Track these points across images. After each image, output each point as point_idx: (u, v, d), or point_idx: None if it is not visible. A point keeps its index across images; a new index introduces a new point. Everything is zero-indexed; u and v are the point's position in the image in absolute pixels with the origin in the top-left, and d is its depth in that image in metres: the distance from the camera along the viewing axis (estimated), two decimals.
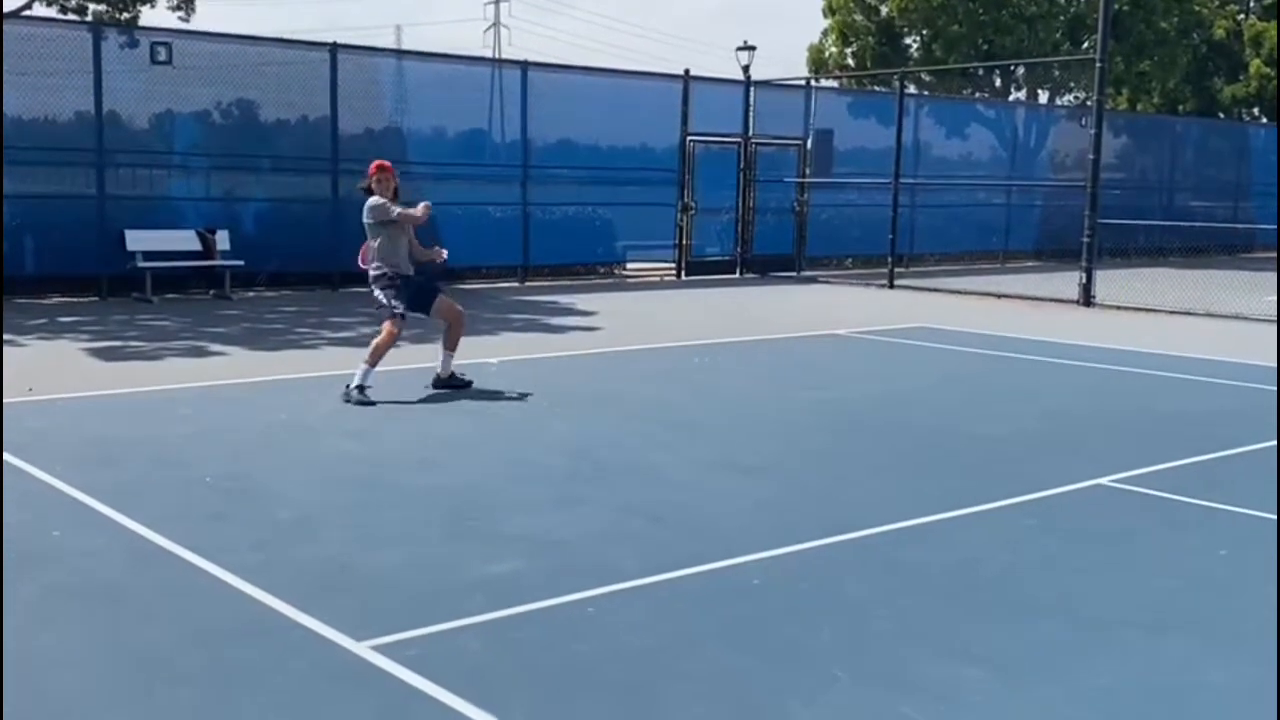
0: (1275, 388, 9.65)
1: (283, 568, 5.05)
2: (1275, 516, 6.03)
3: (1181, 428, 8.51)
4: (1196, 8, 32.57)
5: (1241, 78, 36.08)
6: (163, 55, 15.18)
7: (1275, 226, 22.03)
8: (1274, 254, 24.24)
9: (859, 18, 31.92)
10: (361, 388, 8.66)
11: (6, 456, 6.71)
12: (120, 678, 4.00)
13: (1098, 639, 4.44)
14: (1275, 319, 14.14)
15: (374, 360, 8.78)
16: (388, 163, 9.30)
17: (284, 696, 3.86)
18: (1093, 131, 16.97)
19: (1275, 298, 15.66)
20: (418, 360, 10.77)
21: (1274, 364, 11.09)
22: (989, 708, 3.86)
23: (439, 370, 9.28)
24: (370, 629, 4.33)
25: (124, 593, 4.76)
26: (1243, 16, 36.26)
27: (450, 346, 9.25)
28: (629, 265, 20.24)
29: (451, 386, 9.22)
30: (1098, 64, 17.02)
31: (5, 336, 11.54)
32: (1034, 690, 4.00)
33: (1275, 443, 7.71)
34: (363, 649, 4.17)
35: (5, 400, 8.32)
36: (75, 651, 4.18)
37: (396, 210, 8.95)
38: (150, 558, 5.18)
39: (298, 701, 3.82)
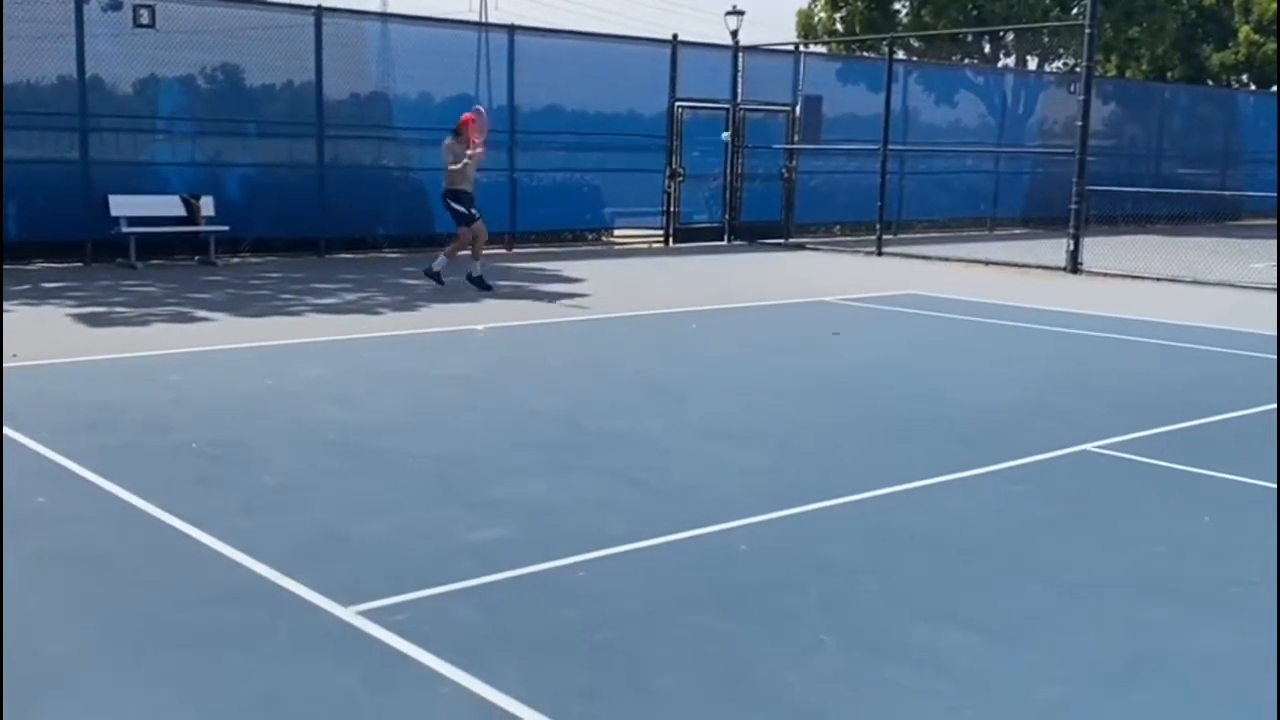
0: (1269, 355, 9.68)
1: (269, 533, 5.04)
2: (1271, 485, 6.06)
3: (1167, 394, 8.53)
4: None
5: (1231, 45, 36.04)
6: (146, 18, 15.01)
7: (1263, 194, 22.06)
8: (1262, 221, 24.29)
9: None
10: (469, 276, 12.98)
11: None
12: (107, 641, 3.99)
13: (1083, 604, 4.46)
14: (1265, 285, 14.18)
15: (475, 254, 13.16)
16: (466, 115, 13.24)
17: (271, 661, 3.86)
18: (1081, 98, 16.93)
19: (1262, 265, 15.70)
20: (406, 327, 10.76)
21: (1260, 331, 11.13)
22: (975, 671, 3.88)
23: (470, 271, 13.14)
24: (357, 594, 4.32)
25: (110, 558, 4.75)
26: None
27: (475, 255, 13.19)
28: (617, 232, 20.17)
29: (476, 283, 13.01)
30: (1087, 30, 16.96)
31: None
32: (1020, 654, 4.02)
33: (1272, 407, 7.74)
34: (350, 614, 4.17)
35: None
36: (62, 616, 4.17)
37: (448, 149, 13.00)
38: (136, 523, 5.16)
39: (284, 666, 3.82)
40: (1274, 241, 17.12)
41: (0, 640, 3.90)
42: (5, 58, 14.26)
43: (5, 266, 14.26)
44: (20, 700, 3.56)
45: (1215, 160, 30.07)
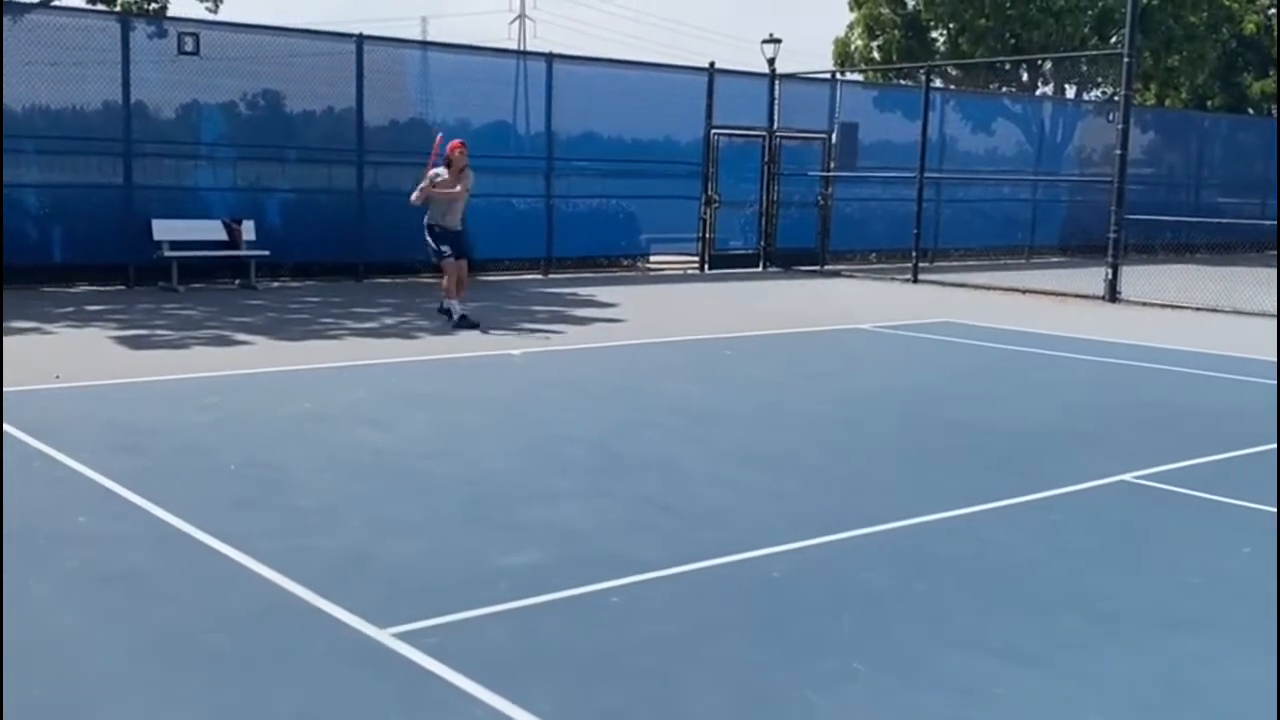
0: (1277, 384, 9.58)
1: (305, 555, 5.08)
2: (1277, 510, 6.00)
3: (1206, 424, 8.46)
4: (1226, 3, 32.31)
5: (1271, 73, 35.77)
6: (190, 46, 15.26)
7: None
8: None
9: (885, 11, 31.82)
10: (449, 313, 12.26)
11: (34, 443, 6.78)
12: (143, 659, 4.04)
13: (1118, 634, 4.43)
14: None
15: (452, 294, 12.31)
16: (456, 143, 12.52)
17: (305, 681, 3.89)
18: (1120, 127, 16.87)
19: None
20: (444, 351, 10.82)
21: None
22: (1008, 701, 3.86)
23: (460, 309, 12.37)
24: (392, 616, 4.35)
25: (147, 577, 4.81)
26: (1273, 12, 35.94)
27: (458, 294, 12.42)
28: (652, 258, 20.23)
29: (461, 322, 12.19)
30: (1125, 59, 16.91)
31: (33, 325, 11.66)
32: (1053, 684, 3.99)
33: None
34: (384, 636, 4.20)
35: (33, 387, 8.43)
36: (99, 633, 4.22)
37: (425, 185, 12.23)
38: (174, 543, 5.22)
39: (319, 686, 3.85)
40: None
41: (0, 642, 3.96)
42: (54, 84, 14.56)
43: (49, 289, 14.51)
44: (56, 718, 3.61)
45: (1256, 189, 29.80)
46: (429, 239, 12.33)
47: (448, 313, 12.29)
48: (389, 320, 12.66)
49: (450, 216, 12.28)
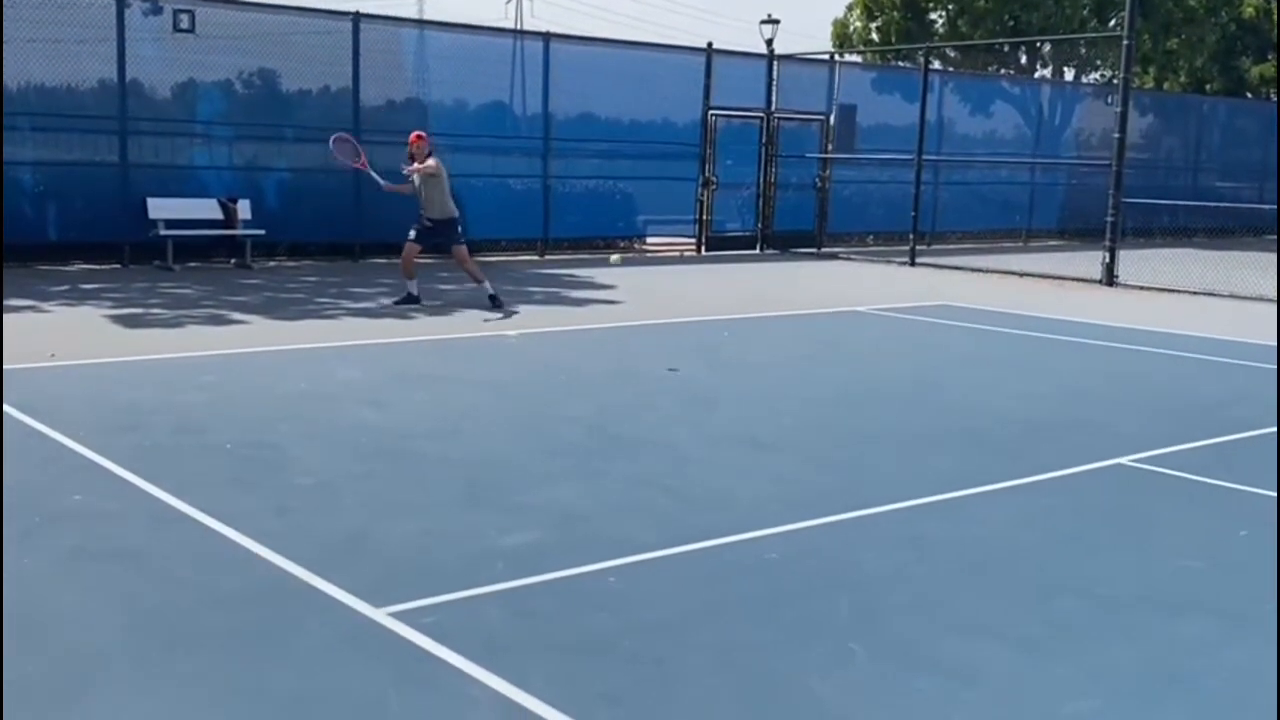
0: (1276, 368, 9.58)
1: (302, 534, 5.08)
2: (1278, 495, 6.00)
3: (1203, 408, 8.46)
4: None
5: (1270, 57, 35.70)
6: (185, 23, 15.17)
7: None
8: None
9: None
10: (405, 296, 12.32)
11: (29, 421, 6.77)
12: (139, 639, 4.03)
13: (1116, 618, 4.43)
14: None
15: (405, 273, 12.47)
16: (415, 134, 12.63)
17: (301, 660, 3.88)
18: (1118, 110, 16.83)
19: None
20: (440, 332, 10.81)
21: None
22: (1004, 684, 3.86)
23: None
24: (388, 595, 4.35)
25: (144, 556, 4.80)
26: None
27: (475, 280, 12.53)
28: (649, 240, 20.18)
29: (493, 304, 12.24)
30: (1124, 42, 16.86)
31: (29, 304, 11.62)
32: (1050, 668, 3.99)
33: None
34: (380, 615, 4.19)
35: (28, 366, 8.41)
36: (96, 612, 4.21)
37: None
38: (170, 522, 5.21)
39: (315, 665, 3.85)
40: None
41: (0, 637, 3.95)
42: (48, 61, 14.49)
43: (44, 267, 14.46)
44: (52, 697, 3.60)
45: (1254, 173, 29.77)
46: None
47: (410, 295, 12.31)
48: (386, 300, 12.63)
49: (427, 207, 12.31)
